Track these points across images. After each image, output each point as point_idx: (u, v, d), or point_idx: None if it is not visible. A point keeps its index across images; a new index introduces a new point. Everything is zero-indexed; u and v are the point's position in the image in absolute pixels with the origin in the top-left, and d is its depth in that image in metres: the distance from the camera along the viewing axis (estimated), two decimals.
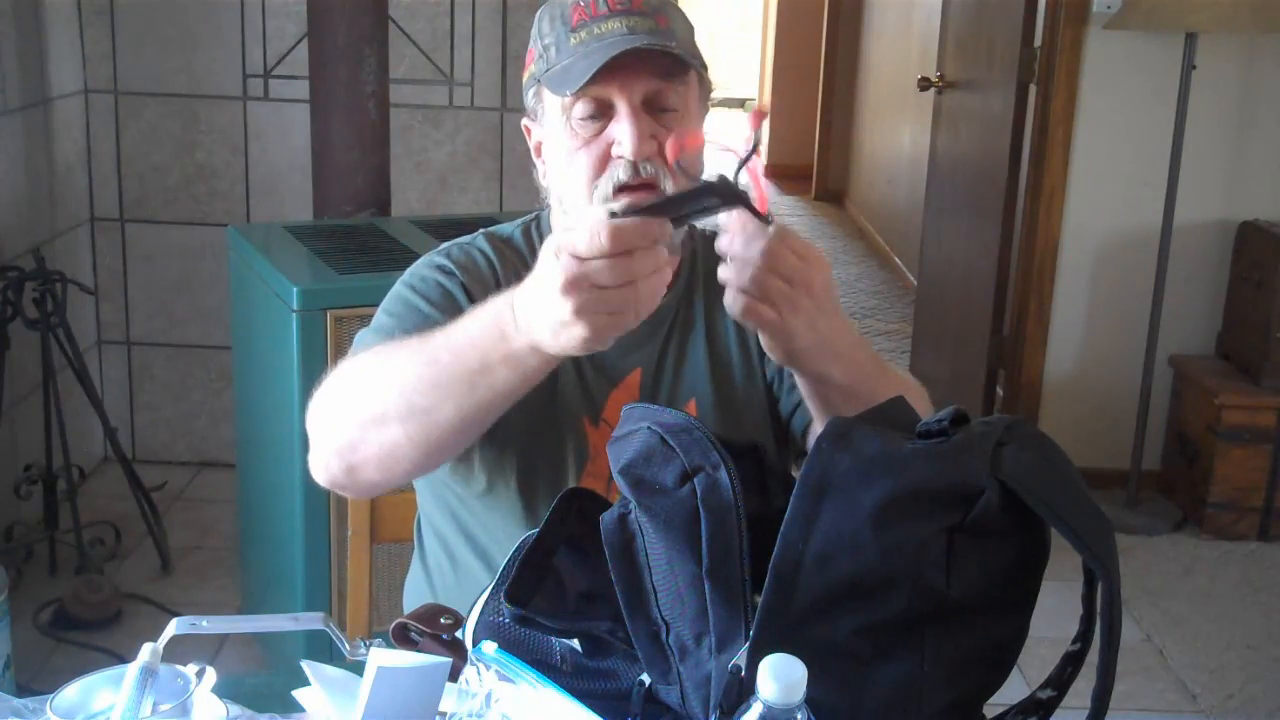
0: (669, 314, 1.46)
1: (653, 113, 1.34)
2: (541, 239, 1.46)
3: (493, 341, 1.14)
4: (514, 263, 1.46)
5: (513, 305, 1.12)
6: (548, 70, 1.35)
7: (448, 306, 1.35)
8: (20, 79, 3.21)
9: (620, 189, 1.33)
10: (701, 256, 1.48)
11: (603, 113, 1.34)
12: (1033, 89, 3.80)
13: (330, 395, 1.28)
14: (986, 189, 4.05)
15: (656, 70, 1.32)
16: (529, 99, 1.42)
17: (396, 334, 1.32)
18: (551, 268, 1.06)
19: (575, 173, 1.35)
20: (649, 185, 1.34)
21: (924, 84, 4.53)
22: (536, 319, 1.09)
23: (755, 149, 1.15)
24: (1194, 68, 3.50)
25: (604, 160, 1.34)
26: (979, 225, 4.12)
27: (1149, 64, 3.67)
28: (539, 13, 1.40)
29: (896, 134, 6.42)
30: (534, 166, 1.46)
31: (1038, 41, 3.78)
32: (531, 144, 1.45)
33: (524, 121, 1.46)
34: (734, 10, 10.89)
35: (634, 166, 1.32)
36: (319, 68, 2.94)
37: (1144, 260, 3.70)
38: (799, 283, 1.14)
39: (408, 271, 1.46)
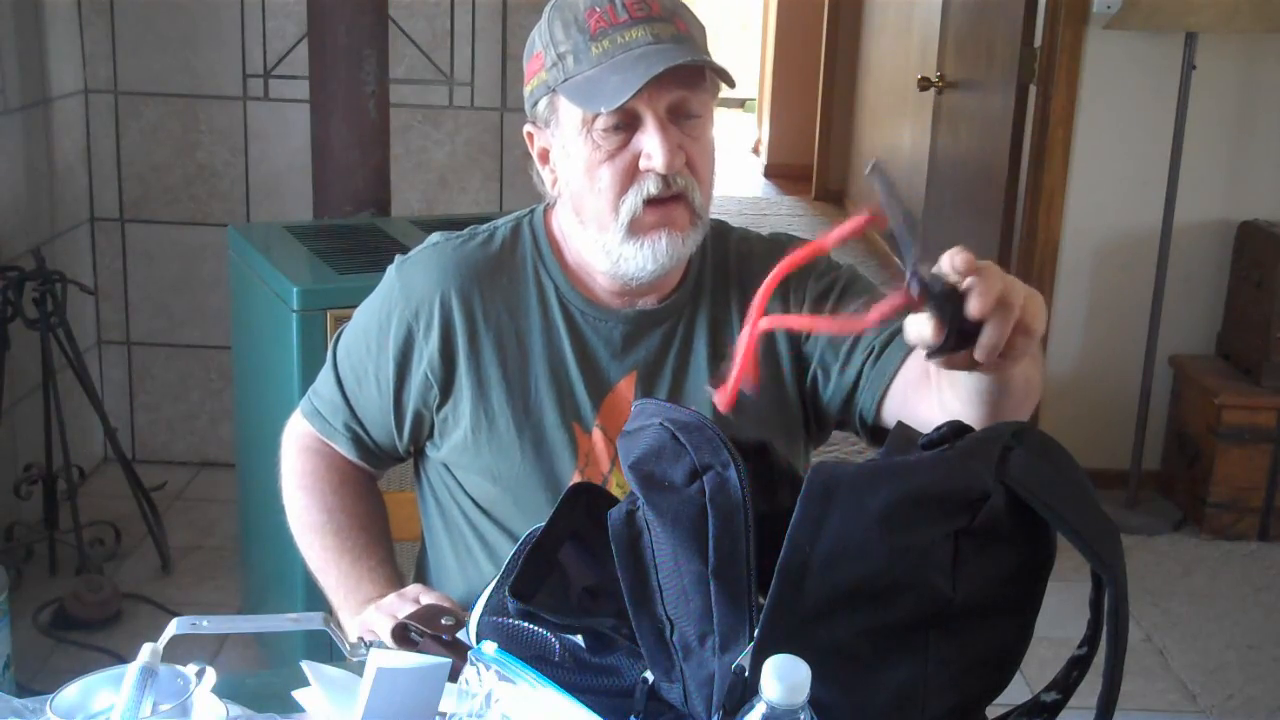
0: (666, 316, 1.44)
1: (676, 121, 1.32)
2: (535, 237, 1.46)
3: (331, 593, 1.46)
4: (510, 268, 1.44)
5: (358, 614, 1.36)
6: (565, 80, 1.32)
7: (370, 368, 1.47)
8: (20, 79, 3.21)
9: (650, 202, 1.33)
10: (710, 260, 1.47)
11: (627, 124, 1.31)
12: (1033, 89, 3.80)
13: (285, 476, 1.56)
14: (986, 189, 4.05)
15: (681, 79, 1.30)
16: (538, 107, 1.37)
17: (318, 415, 1.53)
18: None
19: (599, 187, 1.33)
20: (679, 197, 1.33)
21: (924, 84, 4.53)
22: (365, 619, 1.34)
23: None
24: (1194, 68, 3.50)
25: (630, 173, 1.32)
26: (979, 225, 4.12)
27: (1149, 64, 3.67)
28: (545, 17, 1.36)
29: (896, 134, 6.42)
30: (534, 173, 1.44)
31: (1038, 41, 3.77)
32: (534, 150, 1.42)
33: (526, 128, 1.42)
34: (734, 10, 10.89)
35: (664, 180, 1.31)
36: (319, 68, 2.94)
37: (1144, 260, 3.70)
38: (1034, 330, 1.03)
39: (358, 313, 1.50)
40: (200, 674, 1.03)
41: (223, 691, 1.05)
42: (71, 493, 3.01)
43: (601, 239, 1.36)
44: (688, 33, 1.33)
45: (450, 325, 1.41)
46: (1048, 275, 3.84)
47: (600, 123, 1.31)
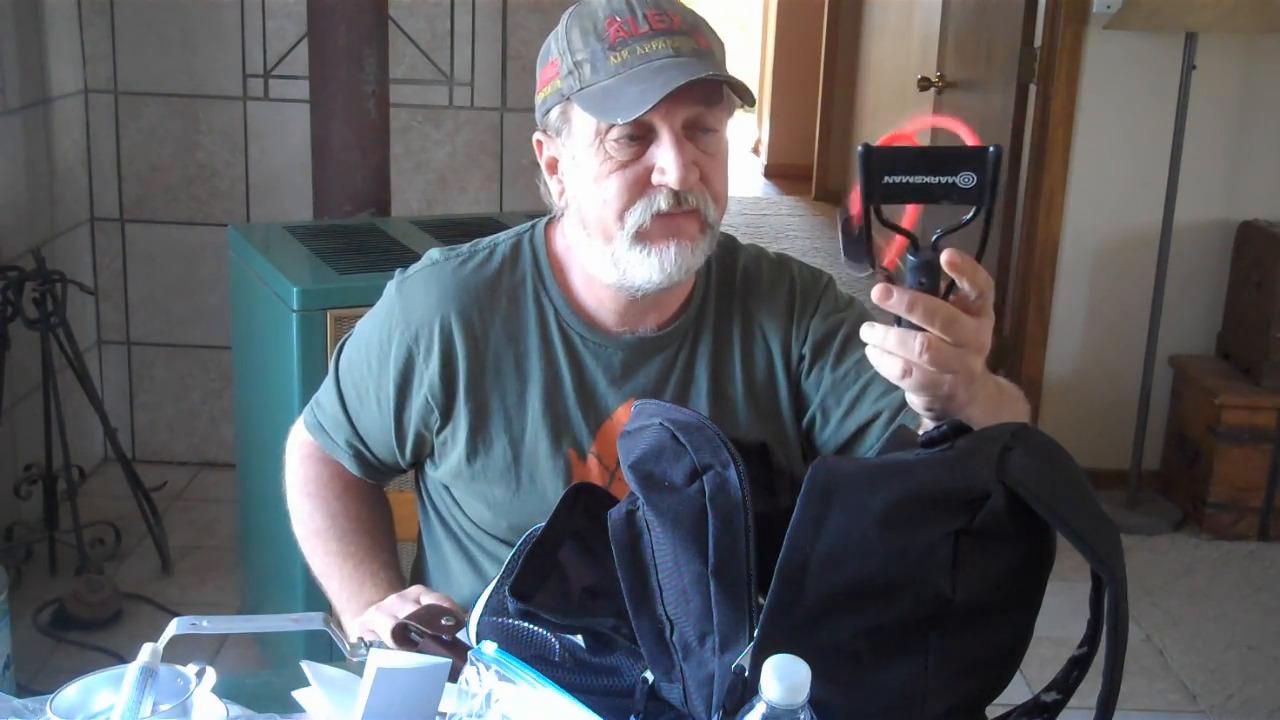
0: (668, 343, 1.42)
1: (692, 135, 1.30)
2: (536, 256, 1.43)
3: (334, 597, 1.46)
4: (509, 290, 1.42)
5: (360, 617, 1.36)
6: (581, 89, 1.29)
7: (371, 387, 1.46)
8: (20, 79, 3.21)
9: (659, 217, 1.30)
10: (715, 281, 1.45)
11: (640, 136, 1.28)
12: (1033, 89, 3.81)
13: (290, 484, 1.56)
14: None
15: (699, 95, 1.27)
16: (550, 115, 1.34)
17: (321, 429, 1.53)
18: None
19: (607, 197, 1.30)
20: (691, 213, 1.31)
21: (924, 84, 4.53)
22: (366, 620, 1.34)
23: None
24: (1194, 68, 3.50)
25: (640, 185, 1.30)
26: (978, 225, 4.11)
27: (1149, 64, 3.67)
28: (563, 24, 1.33)
29: None
30: (541, 183, 1.41)
31: (1038, 41, 3.78)
32: (543, 159, 1.39)
33: (536, 136, 1.39)
34: (734, 10, 10.89)
35: (676, 196, 1.29)
36: (319, 68, 2.94)
37: (1144, 260, 3.70)
38: (973, 345, 1.03)
39: (359, 327, 1.49)
40: (200, 674, 1.03)
41: (223, 691, 1.05)
42: (71, 493, 3.01)
43: (608, 249, 1.33)
44: (708, 48, 1.31)
45: (451, 350, 1.40)
46: (1048, 275, 3.84)
47: (614, 134, 1.28)
